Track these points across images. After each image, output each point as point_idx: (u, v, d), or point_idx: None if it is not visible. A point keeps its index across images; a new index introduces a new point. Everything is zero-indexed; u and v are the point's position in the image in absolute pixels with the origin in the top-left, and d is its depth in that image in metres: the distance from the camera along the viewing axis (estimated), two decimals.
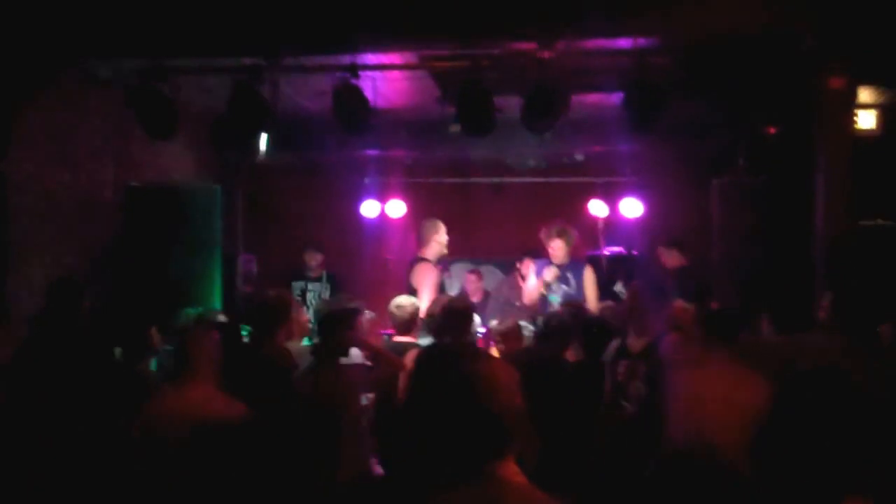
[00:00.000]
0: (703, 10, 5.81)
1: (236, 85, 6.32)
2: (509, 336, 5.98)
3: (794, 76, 6.54)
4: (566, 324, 5.66)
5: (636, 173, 9.50)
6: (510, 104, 6.23)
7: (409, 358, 5.44)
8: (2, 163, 6.14)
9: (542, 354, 5.46)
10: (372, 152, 9.65)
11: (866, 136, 7.27)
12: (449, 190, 10.32)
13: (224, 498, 3.84)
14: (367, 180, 10.11)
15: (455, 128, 6.89)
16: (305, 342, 6.17)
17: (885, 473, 2.04)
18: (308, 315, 7.14)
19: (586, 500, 2.20)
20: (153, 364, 5.37)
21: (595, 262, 8.82)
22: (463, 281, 9.57)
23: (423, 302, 6.56)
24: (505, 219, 10.18)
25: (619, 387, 5.24)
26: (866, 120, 7.40)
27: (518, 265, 9.00)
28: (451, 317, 5.47)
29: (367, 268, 10.11)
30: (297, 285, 9.02)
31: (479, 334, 6.66)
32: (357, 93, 6.32)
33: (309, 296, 8.97)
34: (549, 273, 7.73)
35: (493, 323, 6.73)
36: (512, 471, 2.10)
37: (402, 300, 6.16)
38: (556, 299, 7.51)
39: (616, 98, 6.33)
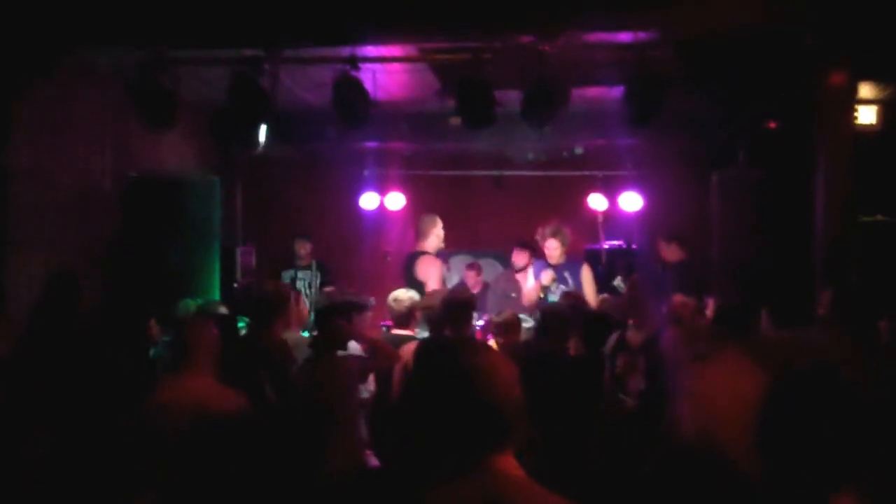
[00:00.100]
0: (704, 6, 5.80)
1: (236, 76, 6.31)
2: (508, 328, 5.99)
3: (795, 71, 6.53)
4: (565, 315, 5.67)
5: (636, 167, 9.50)
6: (510, 97, 6.22)
7: (406, 351, 5.44)
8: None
9: (542, 347, 5.46)
10: (371, 144, 9.65)
11: (866, 131, 7.26)
12: (448, 183, 10.31)
13: (221, 488, 3.84)
14: (366, 173, 10.10)
15: (455, 121, 6.89)
16: (304, 334, 6.18)
17: (881, 468, 2.04)
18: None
19: (585, 495, 2.20)
20: (153, 354, 5.38)
21: (594, 256, 8.84)
22: (462, 274, 9.57)
23: None
24: (504, 212, 10.17)
25: (618, 380, 5.25)
26: (866, 115, 7.39)
27: (514, 254, 8.98)
28: (451, 309, 5.47)
29: (367, 260, 10.10)
30: (287, 274, 9.04)
31: (477, 327, 6.67)
32: (357, 85, 6.31)
33: (299, 284, 8.95)
34: (546, 276, 7.76)
35: (491, 315, 6.74)
36: (510, 464, 2.10)
37: (400, 293, 6.17)
38: (554, 300, 7.52)
39: (616, 92, 6.33)
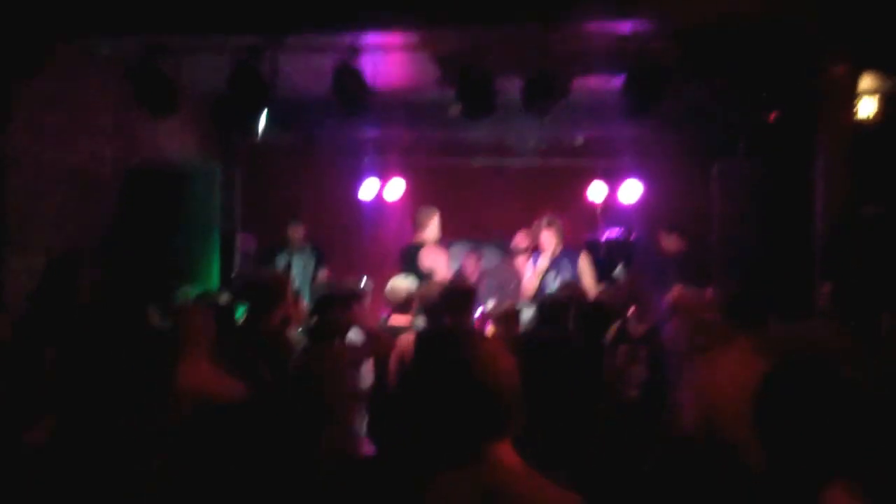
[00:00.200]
0: None
1: (236, 64, 6.30)
2: (507, 318, 5.98)
3: (796, 62, 6.52)
4: (565, 305, 5.66)
5: (636, 157, 9.48)
6: (510, 86, 6.21)
7: (402, 340, 5.45)
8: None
9: (542, 337, 5.46)
10: (371, 133, 9.63)
11: (867, 123, 7.26)
12: (448, 171, 10.30)
13: (218, 473, 3.86)
14: (366, 160, 10.09)
15: (455, 109, 6.88)
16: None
17: (874, 460, 2.05)
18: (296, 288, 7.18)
19: (585, 485, 2.20)
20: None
21: (593, 246, 8.83)
22: (461, 262, 9.56)
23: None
24: (504, 200, 10.16)
25: (618, 372, 5.24)
26: (867, 107, 7.38)
27: (514, 242, 8.99)
28: (452, 298, 5.48)
29: (366, 248, 10.10)
30: (282, 257, 9.03)
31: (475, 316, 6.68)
32: (357, 73, 6.31)
33: (294, 268, 8.94)
34: (543, 260, 7.77)
35: (489, 304, 6.74)
36: (509, 454, 2.10)
37: (398, 282, 6.18)
38: (554, 289, 7.53)
39: (617, 81, 6.32)
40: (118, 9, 6.14)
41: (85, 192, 7.01)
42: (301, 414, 4.74)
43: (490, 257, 10.00)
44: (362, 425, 5.17)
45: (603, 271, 8.12)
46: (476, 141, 9.87)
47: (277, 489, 4.37)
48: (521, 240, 8.48)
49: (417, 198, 9.57)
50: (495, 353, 2.17)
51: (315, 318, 5.27)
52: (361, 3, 6.02)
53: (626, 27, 6.14)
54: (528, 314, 6.54)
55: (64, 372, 4.30)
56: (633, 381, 5.15)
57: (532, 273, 7.87)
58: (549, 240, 7.88)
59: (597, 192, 9.65)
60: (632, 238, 9.43)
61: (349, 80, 6.30)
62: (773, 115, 7.38)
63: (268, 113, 7.14)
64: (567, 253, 7.91)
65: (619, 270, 8.34)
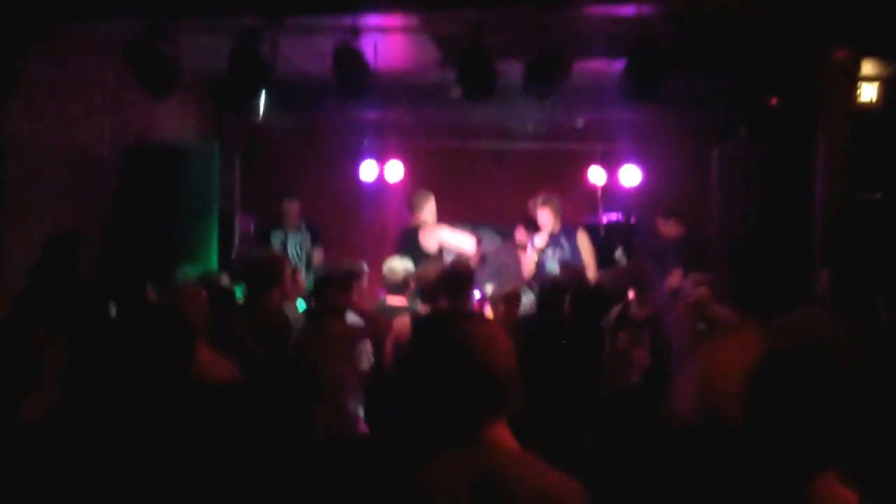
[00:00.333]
0: None
1: (236, 44, 6.28)
2: (509, 300, 5.98)
3: (798, 47, 6.50)
4: (563, 288, 5.65)
5: (636, 141, 9.47)
6: (511, 69, 6.20)
7: (398, 323, 5.45)
8: None
9: (542, 320, 5.46)
10: (371, 114, 9.61)
11: (867, 108, 7.25)
12: (448, 154, 10.28)
13: (216, 456, 3.86)
14: (365, 142, 10.07)
15: (455, 92, 6.87)
16: (300, 304, 6.19)
17: (868, 447, 2.05)
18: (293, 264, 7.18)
19: (585, 469, 2.21)
20: None
21: (593, 230, 8.83)
22: None
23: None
24: (504, 183, 10.15)
25: (620, 356, 5.22)
26: (867, 92, 7.37)
27: (516, 234, 8.99)
28: (450, 281, 5.48)
29: (365, 229, 10.10)
30: (277, 236, 8.94)
31: (474, 298, 6.69)
32: (357, 55, 6.29)
33: (290, 246, 8.87)
34: (540, 238, 7.76)
35: (489, 287, 6.75)
36: (505, 436, 2.10)
37: (395, 263, 6.19)
38: (553, 266, 7.53)
39: (618, 65, 6.30)
40: None
41: (84, 172, 7.00)
42: (295, 393, 4.75)
43: (489, 240, 9.99)
44: (359, 406, 5.18)
45: (602, 254, 8.13)
46: (476, 124, 9.86)
47: (270, 468, 4.38)
48: (521, 235, 8.48)
49: (417, 180, 9.56)
50: (493, 334, 2.17)
51: (313, 299, 5.28)
52: None
53: (627, 10, 6.11)
54: (528, 297, 6.55)
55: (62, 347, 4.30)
56: (635, 366, 5.14)
57: (532, 247, 7.86)
58: (546, 218, 7.87)
59: (596, 175, 9.64)
60: (631, 221, 9.43)
61: (350, 61, 6.28)
62: (773, 100, 7.38)
63: (267, 94, 7.13)
64: (565, 231, 7.91)
65: (619, 254, 8.34)
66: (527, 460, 2.07)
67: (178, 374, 3.54)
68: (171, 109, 8.05)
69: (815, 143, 6.63)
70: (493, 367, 2.09)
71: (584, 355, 5.22)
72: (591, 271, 7.38)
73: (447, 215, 8.31)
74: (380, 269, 6.23)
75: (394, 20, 6.86)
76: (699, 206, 8.00)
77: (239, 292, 5.76)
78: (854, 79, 6.62)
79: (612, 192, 9.70)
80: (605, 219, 9.54)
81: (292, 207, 8.98)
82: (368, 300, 6.14)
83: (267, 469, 4.31)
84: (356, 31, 6.22)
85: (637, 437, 4.60)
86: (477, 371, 2.07)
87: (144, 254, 6.88)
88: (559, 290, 5.63)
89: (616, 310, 5.53)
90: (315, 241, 8.90)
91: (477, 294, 6.91)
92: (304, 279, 7.03)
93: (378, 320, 5.47)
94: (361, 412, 5.18)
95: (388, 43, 7.20)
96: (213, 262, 7.48)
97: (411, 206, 8.13)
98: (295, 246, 8.87)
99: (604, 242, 8.62)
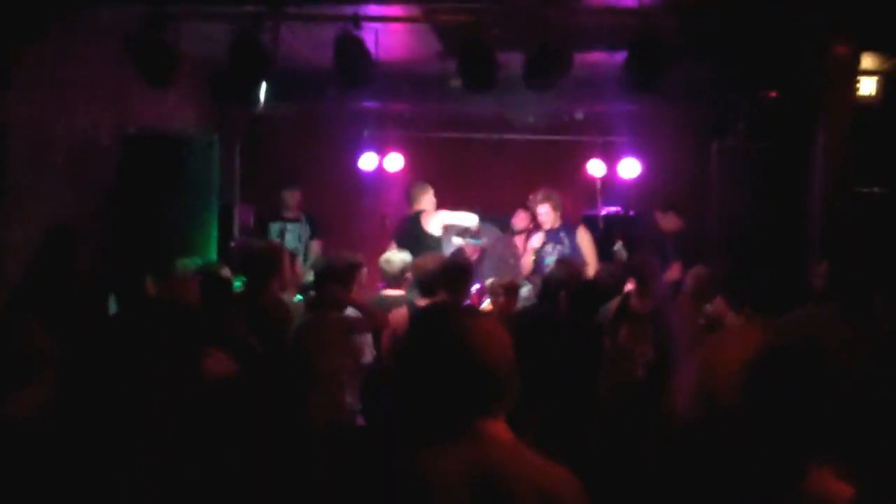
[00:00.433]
0: None
1: (237, 33, 6.27)
2: (508, 291, 5.98)
3: (798, 41, 6.49)
4: (559, 281, 5.65)
5: (636, 134, 9.47)
6: (512, 60, 6.19)
7: (396, 315, 5.46)
8: None
9: (541, 314, 5.46)
10: (371, 105, 9.61)
11: (866, 103, 7.25)
12: (448, 145, 10.28)
13: (212, 450, 3.87)
14: (366, 133, 10.07)
15: (455, 83, 6.87)
16: (298, 298, 6.21)
17: (861, 442, 2.06)
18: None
19: (581, 464, 2.21)
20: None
21: (592, 222, 8.84)
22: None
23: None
24: (504, 175, 10.15)
25: (623, 351, 5.19)
26: (867, 87, 7.38)
27: (514, 216, 8.99)
28: (449, 274, 5.48)
29: (365, 220, 10.10)
30: (275, 226, 8.89)
31: (472, 291, 6.69)
32: (359, 44, 6.28)
33: (287, 237, 8.82)
34: (537, 239, 7.78)
35: (489, 280, 6.75)
36: (502, 429, 2.10)
37: (392, 255, 6.20)
38: (553, 262, 7.53)
39: (618, 58, 6.30)
40: None
41: (83, 162, 6.99)
42: (290, 384, 4.76)
43: (489, 233, 9.99)
44: (357, 398, 5.19)
45: (601, 247, 8.13)
46: (476, 115, 9.85)
47: (263, 455, 4.40)
48: (519, 219, 8.48)
49: (416, 171, 9.56)
50: (491, 330, 2.17)
51: (313, 291, 5.30)
52: None
53: (628, 2, 6.12)
54: (526, 288, 6.55)
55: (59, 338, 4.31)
56: (639, 361, 5.12)
57: (529, 247, 7.87)
58: (546, 214, 7.88)
59: (596, 167, 9.64)
60: (630, 214, 9.44)
61: (352, 50, 6.27)
62: (773, 95, 7.38)
63: (268, 84, 7.12)
64: (565, 227, 7.92)
65: (618, 246, 8.34)
66: (524, 454, 2.07)
67: (182, 370, 3.55)
68: (172, 99, 8.03)
69: (815, 136, 6.63)
70: (491, 363, 2.09)
71: (582, 349, 5.22)
72: (592, 268, 7.38)
73: (446, 206, 8.31)
74: (378, 258, 6.25)
75: (395, 10, 6.85)
76: (698, 199, 8.00)
77: (238, 283, 5.77)
78: (853, 73, 6.62)
79: (611, 185, 9.70)
80: (603, 211, 9.54)
81: (293, 197, 8.94)
82: (367, 292, 6.14)
83: (260, 456, 4.32)
84: (357, 21, 6.22)
85: (641, 433, 4.59)
86: (474, 366, 2.08)
87: (143, 244, 6.87)
88: (555, 285, 5.62)
89: (615, 303, 5.52)
90: (314, 233, 8.87)
91: (476, 286, 6.91)
92: (303, 270, 7.04)
93: (377, 314, 5.48)
94: (359, 404, 5.20)
95: (388, 33, 7.19)
96: (213, 253, 7.48)
97: (410, 198, 8.14)
98: (294, 237, 8.84)
99: (602, 235, 8.62)
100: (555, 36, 6.00)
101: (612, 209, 9.57)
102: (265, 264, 5.35)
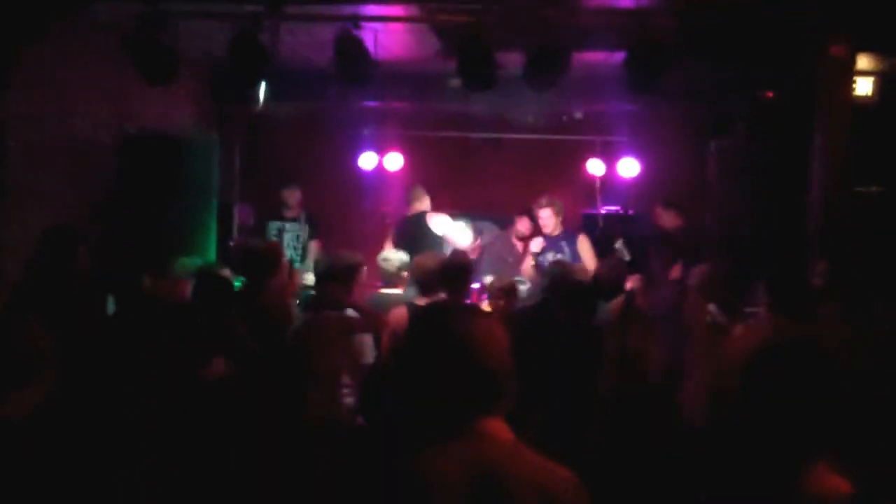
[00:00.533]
0: None
1: (237, 32, 6.28)
2: (507, 293, 5.98)
3: (795, 42, 6.51)
4: (554, 282, 5.63)
5: (635, 133, 9.48)
6: (511, 60, 6.20)
7: (394, 315, 5.46)
8: None
9: (541, 314, 5.45)
10: (371, 104, 9.61)
11: (863, 103, 7.26)
12: (447, 144, 10.28)
13: (209, 447, 3.88)
14: (365, 132, 10.07)
15: (455, 82, 6.87)
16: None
17: (857, 440, 2.07)
18: (287, 257, 7.16)
19: (582, 463, 2.21)
20: None
21: (591, 221, 8.84)
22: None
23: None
24: (503, 175, 10.15)
25: (634, 352, 5.15)
26: (863, 87, 7.39)
27: (516, 222, 8.99)
28: (450, 272, 5.48)
29: (365, 220, 10.10)
30: (274, 226, 8.84)
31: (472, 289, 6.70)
32: (358, 44, 6.28)
33: (286, 237, 8.77)
34: (536, 244, 7.78)
35: (488, 279, 6.75)
36: (501, 428, 2.11)
37: (390, 254, 6.20)
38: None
39: (617, 57, 6.31)
40: None
41: (82, 160, 6.99)
42: (289, 384, 4.77)
43: (488, 231, 10.00)
44: (355, 398, 5.19)
45: (601, 246, 8.13)
46: (475, 115, 9.85)
47: (263, 456, 4.41)
48: (522, 226, 8.48)
49: (416, 170, 9.57)
50: (491, 329, 2.17)
51: (313, 292, 5.31)
52: None
53: (628, 3, 6.12)
54: (524, 286, 6.55)
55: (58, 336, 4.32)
56: (653, 363, 5.08)
57: (529, 251, 7.87)
58: (547, 218, 7.88)
59: (595, 167, 9.65)
60: (629, 213, 9.45)
61: (351, 49, 6.28)
62: (770, 94, 7.39)
63: (267, 83, 7.12)
64: (566, 234, 7.92)
65: (619, 244, 8.33)
66: (524, 454, 2.07)
67: (181, 369, 3.57)
68: (171, 98, 8.03)
69: (812, 136, 6.63)
70: (491, 362, 2.10)
71: (581, 350, 5.19)
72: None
73: (446, 206, 8.32)
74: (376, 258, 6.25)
75: (394, 10, 6.86)
76: (696, 198, 8.00)
77: (237, 283, 5.77)
78: (850, 73, 6.63)
79: (610, 184, 9.71)
80: (603, 210, 9.55)
81: (293, 196, 8.90)
82: (366, 291, 6.14)
83: (260, 456, 4.34)
84: (357, 21, 6.22)
85: (649, 434, 4.57)
86: (474, 365, 2.08)
87: (143, 244, 6.86)
88: (550, 286, 5.60)
89: (617, 303, 5.49)
90: (313, 233, 8.84)
91: (475, 285, 6.92)
92: (301, 272, 7.04)
93: (376, 315, 5.48)
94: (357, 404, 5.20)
95: (388, 33, 7.20)
96: (212, 252, 7.47)
97: (410, 199, 8.16)
98: (292, 236, 8.82)
99: (601, 234, 8.63)
100: (554, 36, 6.01)
101: (612, 208, 9.59)
102: (264, 263, 5.35)
